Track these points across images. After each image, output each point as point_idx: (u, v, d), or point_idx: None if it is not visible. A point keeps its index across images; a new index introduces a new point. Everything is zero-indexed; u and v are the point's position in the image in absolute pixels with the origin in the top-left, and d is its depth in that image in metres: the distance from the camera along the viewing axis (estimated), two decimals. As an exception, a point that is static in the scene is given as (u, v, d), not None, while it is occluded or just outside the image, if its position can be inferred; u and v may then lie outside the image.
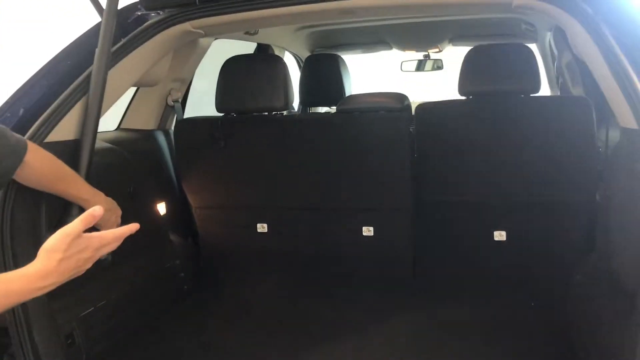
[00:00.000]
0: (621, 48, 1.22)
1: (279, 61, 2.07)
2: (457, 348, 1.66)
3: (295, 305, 2.00)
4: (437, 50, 3.60)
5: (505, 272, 2.02)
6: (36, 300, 1.36)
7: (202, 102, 2.81)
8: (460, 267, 2.09)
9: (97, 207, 0.91)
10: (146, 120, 2.19)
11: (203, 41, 2.15)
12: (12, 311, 1.31)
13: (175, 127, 2.19)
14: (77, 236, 0.89)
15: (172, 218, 2.14)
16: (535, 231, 2.01)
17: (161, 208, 2.07)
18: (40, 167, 1.31)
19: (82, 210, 1.43)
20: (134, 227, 0.98)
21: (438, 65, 3.75)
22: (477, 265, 2.09)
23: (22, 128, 1.43)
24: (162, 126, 2.26)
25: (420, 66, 3.86)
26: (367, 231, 2.11)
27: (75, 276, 0.95)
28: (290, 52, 3.31)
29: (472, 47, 2.01)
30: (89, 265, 0.95)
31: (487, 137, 1.97)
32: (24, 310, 1.32)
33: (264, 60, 2.31)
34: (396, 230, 2.09)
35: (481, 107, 1.99)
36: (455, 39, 3.34)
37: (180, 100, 2.27)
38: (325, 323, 1.84)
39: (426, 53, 3.71)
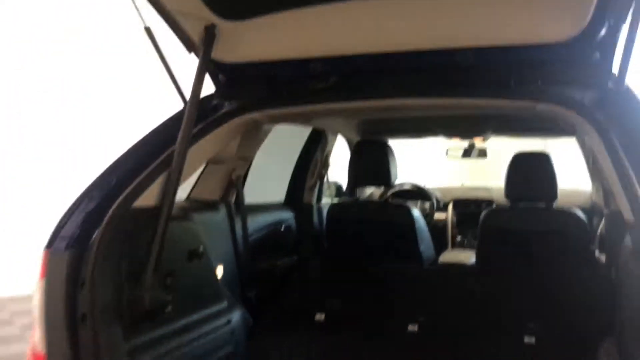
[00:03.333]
0: (624, 151, 1.42)
1: None
2: None
3: None
4: (481, 139, 3.84)
5: None
6: (113, 339, 1.60)
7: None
8: None
9: None
10: (211, 192, 2.48)
11: (267, 126, 2.46)
12: (97, 348, 1.54)
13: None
14: None
15: (228, 282, 2.37)
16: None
17: (219, 271, 2.31)
18: None
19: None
20: None
21: (481, 154, 3.99)
22: None
23: (113, 195, 1.72)
24: (225, 198, 2.54)
25: (466, 154, 4.11)
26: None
27: None
28: (343, 136, 3.61)
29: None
30: None
31: None
32: (105, 348, 1.55)
33: None
34: None
35: None
36: (498, 131, 3.57)
37: (242, 176, 2.56)
38: None
39: (472, 141, 3.96)
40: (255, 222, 2.77)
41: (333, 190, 3.73)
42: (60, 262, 1.61)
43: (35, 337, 1.61)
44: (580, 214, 2.71)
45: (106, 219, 1.63)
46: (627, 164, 1.40)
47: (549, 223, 2.66)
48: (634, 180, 1.36)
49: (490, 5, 1.66)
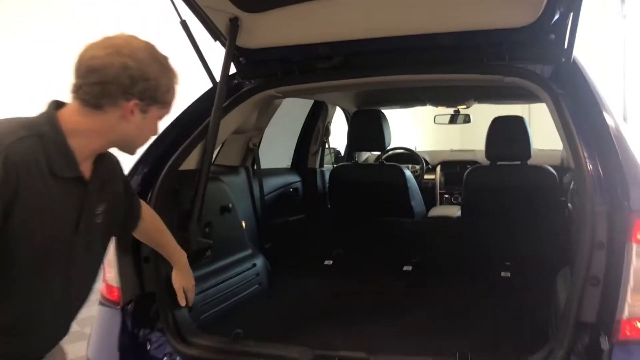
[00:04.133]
0: (571, 116, 1.83)
1: None
2: None
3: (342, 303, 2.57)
4: (465, 106, 4.23)
5: None
6: (169, 276, 2.01)
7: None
8: None
9: None
10: (233, 159, 2.88)
11: (278, 100, 2.84)
12: (159, 282, 1.96)
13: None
14: None
15: (250, 233, 2.79)
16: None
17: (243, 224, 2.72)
18: (150, 220, 1.79)
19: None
20: None
21: (466, 120, 4.39)
22: None
23: (163, 160, 2.12)
24: (244, 163, 2.94)
25: (452, 120, 4.51)
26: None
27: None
28: (341, 107, 4.00)
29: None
30: None
31: None
32: (164, 281, 1.97)
33: None
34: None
35: None
36: (480, 98, 3.96)
37: (257, 144, 2.95)
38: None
39: (456, 109, 4.36)
40: (268, 184, 3.18)
41: (333, 156, 4.13)
42: (126, 215, 2.01)
43: (109, 275, 2.03)
44: (552, 170, 3.12)
45: (159, 179, 2.04)
46: (571, 123, 1.80)
47: (524, 178, 3.07)
48: (576, 137, 1.76)
49: None
